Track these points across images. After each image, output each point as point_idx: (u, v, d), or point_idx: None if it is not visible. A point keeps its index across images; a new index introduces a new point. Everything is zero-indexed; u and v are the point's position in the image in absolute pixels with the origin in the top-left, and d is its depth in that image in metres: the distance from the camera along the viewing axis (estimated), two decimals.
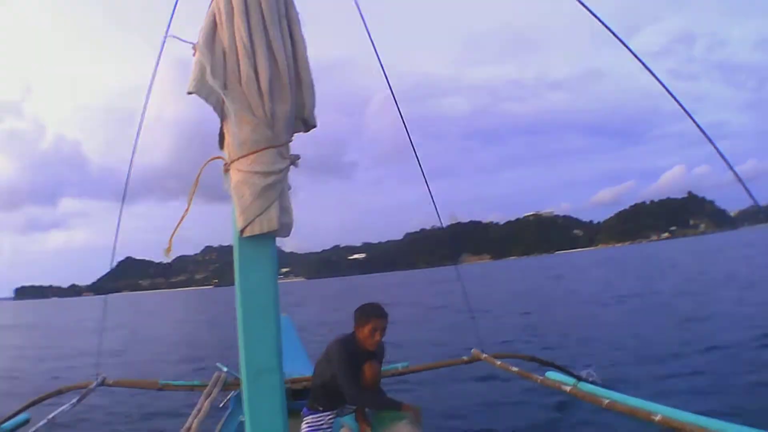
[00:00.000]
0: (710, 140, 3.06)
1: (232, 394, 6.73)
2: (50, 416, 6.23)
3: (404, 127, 6.28)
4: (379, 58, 5.04)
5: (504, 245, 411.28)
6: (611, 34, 2.85)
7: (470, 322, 8.26)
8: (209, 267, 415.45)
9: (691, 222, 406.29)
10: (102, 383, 7.33)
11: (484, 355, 7.79)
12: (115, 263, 7.44)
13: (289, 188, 2.49)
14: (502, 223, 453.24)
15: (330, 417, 4.99)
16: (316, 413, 4.94)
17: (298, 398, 6.55)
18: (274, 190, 2.39)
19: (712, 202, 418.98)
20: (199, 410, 5.59)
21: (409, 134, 6.27)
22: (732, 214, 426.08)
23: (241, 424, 6.19)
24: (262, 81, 2.37)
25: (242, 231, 2.39)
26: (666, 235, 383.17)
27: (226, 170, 2.47)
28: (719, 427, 5.31)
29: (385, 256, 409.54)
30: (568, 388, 7.77)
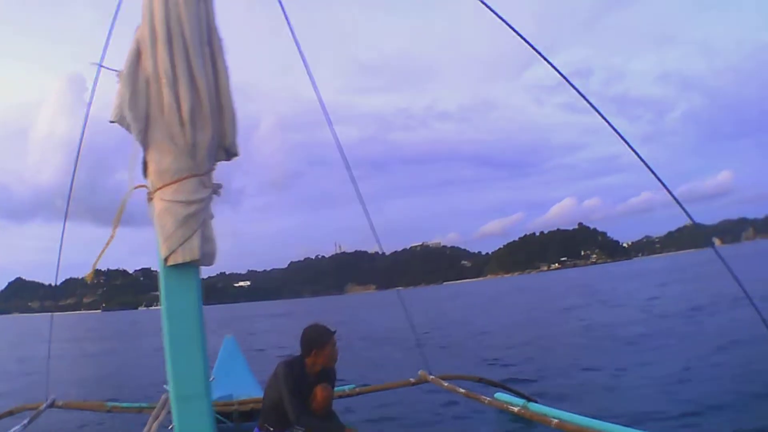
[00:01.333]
0: (649, 167, 3.33)
1: None
2: None
3: (341, 153, 6.41)
4: (312, 81, 5.22)
5: (390, 275, 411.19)
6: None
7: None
8: (97, 291, 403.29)
9: (583, 252, 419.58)
10: (52, 405, 7.27)
11: (432, 377, 7.87)
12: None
13: (212, 217, 2.53)
14: (388, 253, 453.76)
15: None
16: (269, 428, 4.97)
17: (246, 420, 6.60)
18: (196, 220, 2.44)
19: (604, 233, 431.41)
20: None
21: (346, 160, 6.41)
22: (624, 244, 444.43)
23: None
24: (184, 110, 2.42)
25: (166, 260, 2.42)
26: (556, 265, 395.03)
27: (150, 199, 2.50)
28: None
29: (269, 284, 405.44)
30: (516, 409, 7.92)
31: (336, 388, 5.74)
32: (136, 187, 2.56)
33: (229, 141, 2.61)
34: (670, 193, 3.19)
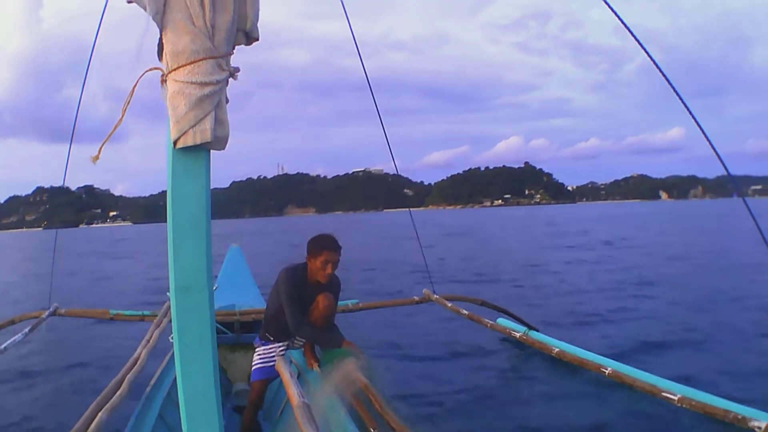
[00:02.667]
0: (694, 117, 3.33)
1: None
2: (1, 347, 6.15)
3: (366, 79, 6.54)
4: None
5: (331, 200, 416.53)
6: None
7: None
8: (40, 209, 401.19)
9: (527, 192, 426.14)
10: (54, 313, 7.59)
11: (435, 296, 8.18)
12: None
13: (227, 101, 2.52)
14: (329, 177, 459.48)
15: (281, 348, 5.17)
16: (268, 344, 5.13)
17: (248, 331, 6.76)
18: (210, 102, 2.42)
19: (549, 175, 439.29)
20: (148, 340, 5.82)
21: (371, 86, 6.53)
22: (569, 188, 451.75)
23: None
24: None
25: (175, 142, 2.40)
26: (499, 202, 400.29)
27: (163, 81, 2.47)
28: (672, 387, 5.83)
29: (211, 204, 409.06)
30: (518, 335, 8.24)
31: (339, 302, 5.94)
32: (150, 69, 2.52)
33: (249, 24, 2.58)
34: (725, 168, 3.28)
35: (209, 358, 2.51)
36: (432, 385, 7.33)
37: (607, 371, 6.50)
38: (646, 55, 3.43)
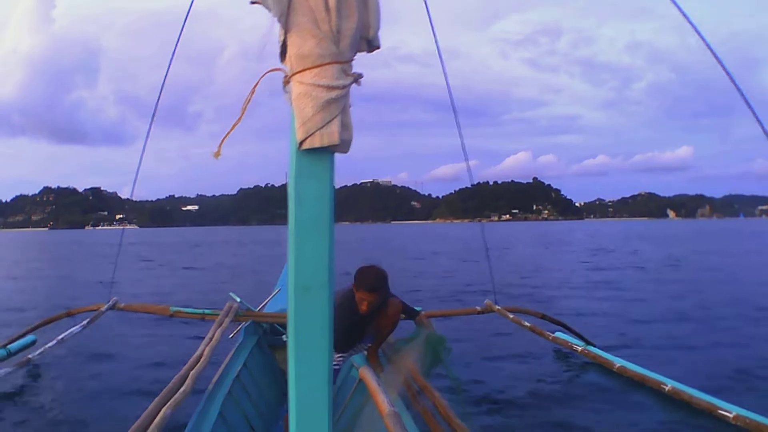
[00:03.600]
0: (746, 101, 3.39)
1: (242, 324, 6.98)
2: (60, 337, 6.28)
3: (448, 88, 6.68)
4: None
5: (338, 210, 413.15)
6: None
7: None
8: (46, 209, 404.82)
9: (535, 207, 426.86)
10: (113, 307, 7.74)
11: (497, 307, 8.33)
12: None
13: (350, 105, 2.60)
14: (337, 187, 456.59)
15: (339, 356, 5.31)
16: None
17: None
18: (337, 105, 2.50)
19: (558, 191, 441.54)
20: (211, 338, 5.88)
21: (451, 95, 6.67)
22: (577, 204, 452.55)
23: (252, 355, 6.41)
24: None
25: (301, 143, 2.48)
26: (507, 216, 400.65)
27: (287, 83, 2.56)
28: (728, 407, 5.92)
29: (217, 210, 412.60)
30: (579, 349, 8.33)
31: None
32: (271, 70, 2.63)
33: (372, 32, 2.67)
34: None
35: (325, 358, 2.55)
36: (493, 394, 7.47)
37: (666, 388, 6.67)
38: (707, 52, 3.40)
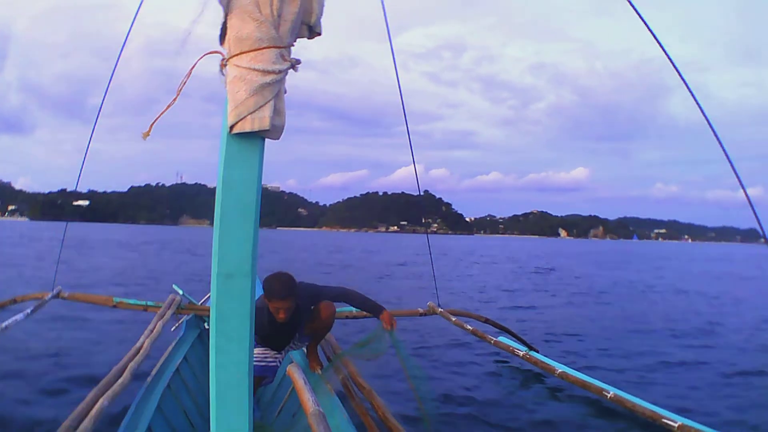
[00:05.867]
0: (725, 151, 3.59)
1: (185, 317, 7.15)
2: (3, 325, 6.19)
3: (399, 90, 6.69)
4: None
5: None
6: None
7: None
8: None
9: (424, 220, 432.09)
10: (57, 296, 7.77)
11: (440, 310, 8.39)
12: None
13: (285, 92, 2.62)
14: None
15: (276, 355, 5.38)
16: (263, 345, 5.32)
17: None
18: (271, 90, 2.53)
19: (449, 205, 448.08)
20: (152, 330, 5.96)
21: (402, 98, 6.67)
22: (468, 219, 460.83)
23: (192, 348, 6.49)
24: None
25: (232, 127, 2.50)
26: (395, 228, 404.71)
27: (223, 65, 2.59)
28: (673, 417, 6.04)
29: (108, 207, 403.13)
30: (521, 353, 8.41)
31: (343, 308, 6.09)
32: (209, 53, 2.64)
33: (314, 18, 2.70)
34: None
35: (246, 347, 2.57)
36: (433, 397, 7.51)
37: (609, 395, 6.68)
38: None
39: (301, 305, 5.21)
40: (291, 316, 5.06)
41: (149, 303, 7.81)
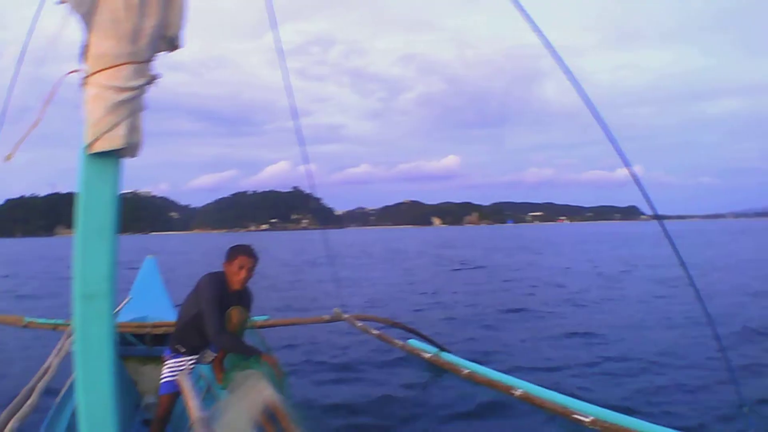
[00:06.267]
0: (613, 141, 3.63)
1: None
2: None
3: (291, 93, 6.50)
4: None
5: None
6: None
7: None
8: None
9: (294, 216, 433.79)
10: None
11: (346, 315, 8.25)
12: None
13: (143, 109, 2.51)
14: None
15: (191, 362, 5.17)
16: (178, 356, 5.11)
17: (160, 343, 6.80)
18: (126, 107, 2.49)
19: (318, 200, 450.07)
20: (60, 349, 5.81)
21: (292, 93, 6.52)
22: (337, 213, 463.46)
23: None
24: None
25: (88, 147, 2.46)
26: (265, 226, 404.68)
27: (84, 84, 2.51)
28: (579, 407, 5.99)
29: None
30: (427, 356, 8.30)
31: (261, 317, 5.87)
32: (70, 72, 2.56)
33: (174, 31, 2.66)
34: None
35: (109, 368, 2.56)
36: (339, 406, 7.54)
37: (516, 392, 6.63)
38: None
39: (245, 291, 5.14)
40: (239, 294, 5.03)
41: (59, 321, 7.64)
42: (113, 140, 2.49)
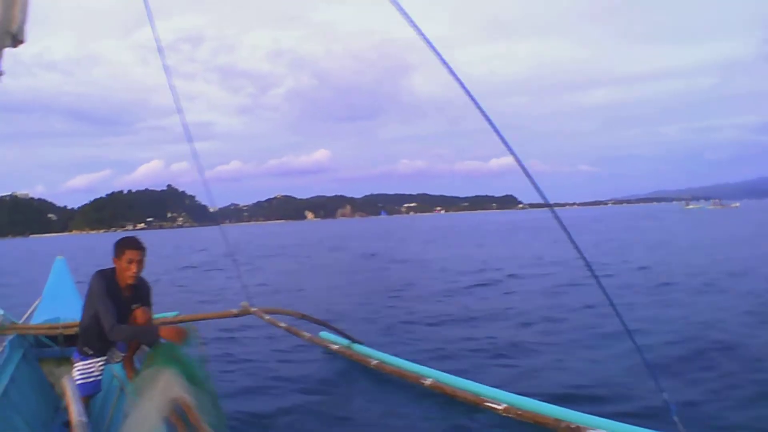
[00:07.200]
0: (505, 142, 3.70)
1: (7, 338, 6.80)
2: None
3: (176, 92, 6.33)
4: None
5: None
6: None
7: None
8: None
9: (169, 215, 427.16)
10: None
11: (254, 309, 8.18)
12: None
13: None
14: None
15: (101, 363, 5.12)
16: (87, 358, 5.05)
17: (73, 344, 6.46)
18: None
19: (192, 197, 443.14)
20: None
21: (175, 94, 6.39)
22: (212, 210, 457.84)
23: (18, 369, 6.27)
24: None
25: None
26: (142, 225, 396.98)
27: None
28: (491, 394, 5.99)
29: None
30: (336, 347, 8.36)
31: (158, 315, 5.81)
32: None
33: (16, 26, 2.59)
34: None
35: None
36: (247, 402, 7.35)
37: (426, 382, 6.71)
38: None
39: (140, 284, 5.13)
40: (135, 289, 5.04)
41: None
42: None
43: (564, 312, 12.23)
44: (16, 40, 2.67)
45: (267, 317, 8.35)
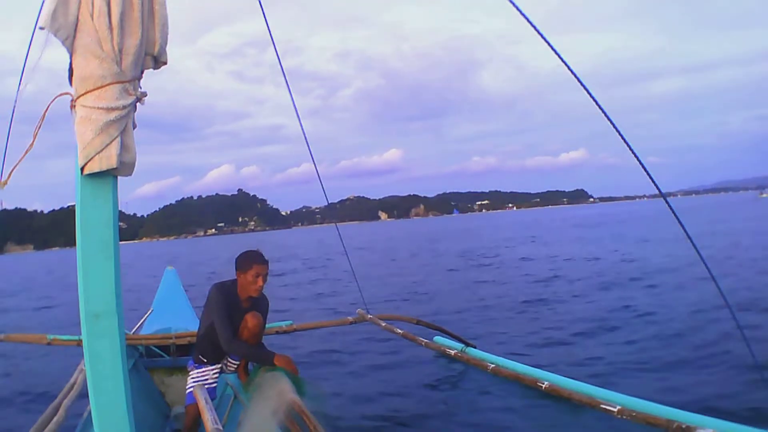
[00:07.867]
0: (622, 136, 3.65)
1: None
2: None
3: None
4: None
5: (48, 235, 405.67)
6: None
7: None
8: None
9: (241, 219, 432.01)
10: None
11: (370, 316, 8.21)
12: None
13: (134, 127, 2.59)
14: (47, 211, 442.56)
15: (215, 371, 5.23)
16: (201, 366, 5.16)
17: (184, 354, 6.83)
18: (116, 127, 2.52)
19: (264, 201, 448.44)
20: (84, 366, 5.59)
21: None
22: (283, 213, 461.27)
23: (129, 377, 6.16)
24: (114, 14, 2.48)
25: (82, 169, 2.48)
26: (212, 231, 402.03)
27: (73, 107, 2.53)
28: (612, 399, 5.99)
29: None
30: (453, 352, 8.29)
31: (272, 324, 6.23)
32: (60, 95, 2.57)
33: (158, 48, 2.70)
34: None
35: (121, 386, 2.58)
36: (367, 406, 7.44)
37: (543, 385, 6.65)
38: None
39: (261, 298, 5.21)
40: (254, 302, 5.11)
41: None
42: (106, 160, 2.53)
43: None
44: (158, 62, 2.79)
45: (383, 324, 8.34)
